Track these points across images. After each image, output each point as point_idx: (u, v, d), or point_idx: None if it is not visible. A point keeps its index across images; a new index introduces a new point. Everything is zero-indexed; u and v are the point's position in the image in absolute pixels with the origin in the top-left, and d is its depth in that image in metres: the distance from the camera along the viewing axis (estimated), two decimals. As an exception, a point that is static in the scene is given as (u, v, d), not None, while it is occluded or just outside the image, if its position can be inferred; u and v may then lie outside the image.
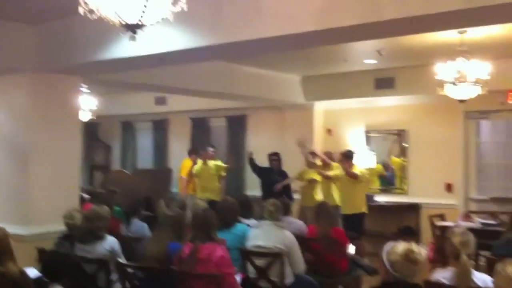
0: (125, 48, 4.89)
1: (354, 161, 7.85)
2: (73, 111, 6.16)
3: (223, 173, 9.37)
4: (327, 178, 8.06)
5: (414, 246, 3.00)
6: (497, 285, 2.78)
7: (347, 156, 7.79)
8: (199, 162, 9.21)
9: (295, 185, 8.73)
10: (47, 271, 3.51)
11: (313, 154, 8.41)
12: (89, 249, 4.59)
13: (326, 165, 8.18)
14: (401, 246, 3.00)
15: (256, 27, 4.24)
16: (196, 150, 9.60)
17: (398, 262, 2.96)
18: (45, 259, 4.47)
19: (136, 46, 4.81)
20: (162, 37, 4.53)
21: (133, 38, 3.13)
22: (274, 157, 8.85)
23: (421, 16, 3.61)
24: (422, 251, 3.02)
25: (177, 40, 4.61)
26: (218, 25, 4.41)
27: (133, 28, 3.10)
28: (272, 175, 8.70)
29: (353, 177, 7.57)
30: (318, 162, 8.35)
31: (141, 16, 3.03)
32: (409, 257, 2.95)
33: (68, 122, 6.04)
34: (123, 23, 3.07)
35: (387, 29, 4.17)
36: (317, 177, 8.29)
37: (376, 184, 9.41)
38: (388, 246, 3.06)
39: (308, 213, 7.72)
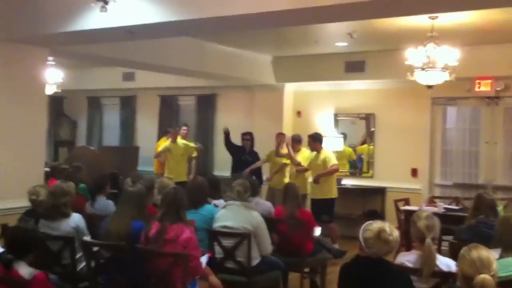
0: (94, 19, 4.77)
1: (322, 144, 7.88)
2: (39, 84, 6.00)
3: (194, 154, 9.22)
4: (297, 165, 8.05)
5: (387, 226, 3.11)
6: (461, 269, 2.82)
7: (315, 139, 7.80)
8: (167, 141, 9.03)
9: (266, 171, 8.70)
10: (10, 247, 3.41)
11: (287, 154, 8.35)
12: (53, 226, 4.52)
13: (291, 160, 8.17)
14: (375, 224, 3.13)
15: (230, 4, 4.19)
16: (175, 129, 9.26)
17: (371, 239, 3.07)
18: (8, 235, 4.36)
19: (105, 18, 4.72)
20: (132, 9, 4.44)
21: (104, 9, 3.05)
22: (247, 137, 8.86)
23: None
24: (394, 232, 3.12)
25: (147, 13, 4.52)
26: (190, 0, 4.33)
27: (104, -1, 3.00)
28: (243, 155, 8.71)
29: (335, 172, 7.69)
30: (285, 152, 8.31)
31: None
32: (380, 236, 3.06)
33: (33, 95, 5.89)
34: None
35: (359, 11, 4.17)
36: (288, 161, 8.30)
37: (346, 168, 9.48)
38: (366, 224, 3.17)
39: (276, 195, 7.75)
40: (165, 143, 9.06)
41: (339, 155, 8.80)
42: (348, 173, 9.47)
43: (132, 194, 4.40)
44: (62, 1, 4.81)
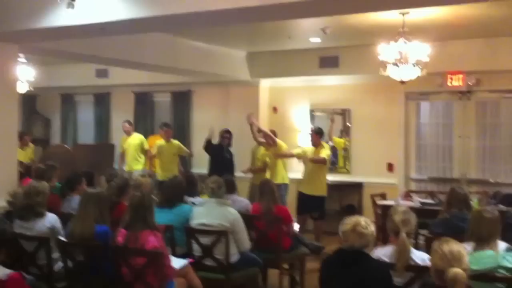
0: (64, 16, 4.70)
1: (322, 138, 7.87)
2: (9, 82, 5.88)
3: (183, 154, 9.30)
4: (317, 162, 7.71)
5: (362, 220, 3.25)
6: (434, 263, 2.87)
7: (318, 133, 7.76)
8: (161, 140, 9.08)
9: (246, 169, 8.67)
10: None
11: (261, 131, 8.34)
12: (28, 226, 4.47)
13: (270, 144, 8.14)
14: (353, 219, 3.27)
15: (200, 0, 4.16)
16: (168, 126, 9.34)
17: (347, 232, 3.21)
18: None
19: (75, 15, 4.66)
20: (102, 5, 4.38)
21: (71, 5, 2.98)
22: (226, 135, 8.82)
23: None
24: (370, 226, 3.25)
25: (118, 9, 4.47)
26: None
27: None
28: (223, 152, 8.68)
29: (322, 162, 7.57)
30: (261, 139, 8.30)
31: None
32: (355, 229, 3.19)
33: (4, 93, 5.77)
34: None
35: (330, 6, 4.20)
36: (268, 159, 8.25)
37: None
38: (345, 218, 3.31)
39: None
40: (158, 141, 9.12)
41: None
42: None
43: (93, 196, 4.32)
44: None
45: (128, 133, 9.57)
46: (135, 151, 9.44)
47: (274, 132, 8.35)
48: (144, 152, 9.49)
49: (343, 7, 4.41)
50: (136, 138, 9.58)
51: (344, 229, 3.23)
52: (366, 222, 3.24)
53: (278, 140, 8.15)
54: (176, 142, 9.18)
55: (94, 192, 4.41)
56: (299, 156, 7.95)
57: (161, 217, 4.55)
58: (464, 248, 2.92)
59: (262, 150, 8.45)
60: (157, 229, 4.05)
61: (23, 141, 9.08)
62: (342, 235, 3.25)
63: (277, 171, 8.10)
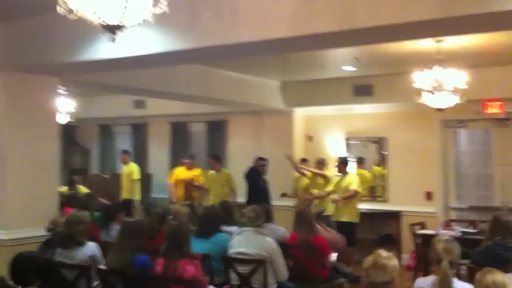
0: (102, 49, 4.83)
1: (348, 168, 8.00)
2: (50, 113, 6.02)
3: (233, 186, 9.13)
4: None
5: (383, 252, 3.04)
6: (477, 294, 2.80)
7: (344, 162, 7.93)
8: (211, 171, 9.18)
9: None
10: (13, 274, 3.44)
11: (301, 163, 8.60)
12: (69, 255, 4.54)
13: (320, 176, 8.37)
14: (373, 254, 3.06)
15: (231, 32, 4.25)
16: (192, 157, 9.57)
17: (369, 268, 3.00)
18: (13, 263, 4.38)
19: (113, 48, 4.76)
20: (138, 39, 4.50)
21: (112, 39, 3.06)
22: (262, 162, 8.79)
23: (396, 25, 3.65)
24: (391, 257, 3.04)
25: (155, 42, 4.58)
26: (194, 29, 4.40)
27: (113, 29, 3.02)
28: (260, 181, 8.65)
29: (353, 197, 7.72)
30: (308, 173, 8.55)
31: (122, 17, 2.95)
32: (377, 263, 2.99)
33: (45, 124, 5.90)
34: (103, 23, 3.00)
35: (362, 37, 4.21)
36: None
37: (365, 193, 9.27)
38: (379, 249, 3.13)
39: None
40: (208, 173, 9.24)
41: (362, 178, 8.65)
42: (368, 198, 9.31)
43: (131, 226, 4.31)
44: (71, 31, 4.84)
45: (124, 162, 9.97)
46: (128, 181, 9.79)
47: (305, 161, 8.42)
48: (132, 181, 9.79)
49: (376, 37, 4.39)
50: (129, 167, 9.96)
51: (366, 266, 3.03)
52: (387, 254, 3.04)
53: (327, 173, 8.24)
54: (226, 171, 9.27)
55: (133, 221, 4.45)
56: (330, 193, 8.06)
57: (198, 246, 4.59)
58: (509, 279, 2.85)
59: (305, 180, 8.59)
60: (195, 257, 4.06)
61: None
62: (364, 272, 3.04)
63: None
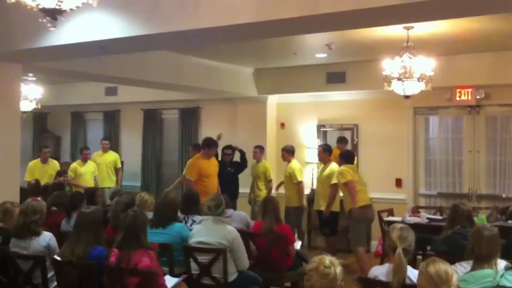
0: (63, 35, 4.75)
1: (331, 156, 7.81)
2: (12, 101, 5.92)
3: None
4: None
5: (327, 259, 2.83)
6: (420, 285, 2.78)
7: (326, 150, 7.71)
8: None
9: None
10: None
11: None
12: (24, 245, 4.45)
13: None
14: (319, 257, 2.87)
15: (193, 18, 4.17)
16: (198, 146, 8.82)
17: (311, 272, 2.84)
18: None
19: (74, 33, 4.69)
20: (100, 24, 4.41)
21: (53, 25, 2.95)
22: (227, 151, 8.67)
23: (356, 11, 3.61)
24: (335, 264, 2.82)
25: (115, 28, 4.50)
26: (156, 14, 4.32)
27: (53, 13, 2.91)
28: (225, 168, 8.54)
29: (335, 193, 7.48)
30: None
31: (60, 0, 2.85)
32: (318, 269, 2.80)
33: (7, 112, 5.80)
34: (41, 7, 2.88)
35: (325, 23, 4.17)
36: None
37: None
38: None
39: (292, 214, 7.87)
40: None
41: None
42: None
43: (87, 217, 4.20)
44: (30, 17, 4.73)
45: (105, 150, 9.81)
46: (108, 168, 9.63)
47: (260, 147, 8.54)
48: (116, 170, 9.73)
49: (338, 23, 4.36)
50: (111, 155, 9.86)
51: (309, 267, 2.85)
52: (331, 262, 2.81)
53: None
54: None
55: (88, 212, 4.27)
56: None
57: (155, 236, 4.53)
58: (451, 267, 2.83)
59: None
60: (150, 248, 3.99)
61: (44, 156, 9.16)
62: (307, 273, 2.87)
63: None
